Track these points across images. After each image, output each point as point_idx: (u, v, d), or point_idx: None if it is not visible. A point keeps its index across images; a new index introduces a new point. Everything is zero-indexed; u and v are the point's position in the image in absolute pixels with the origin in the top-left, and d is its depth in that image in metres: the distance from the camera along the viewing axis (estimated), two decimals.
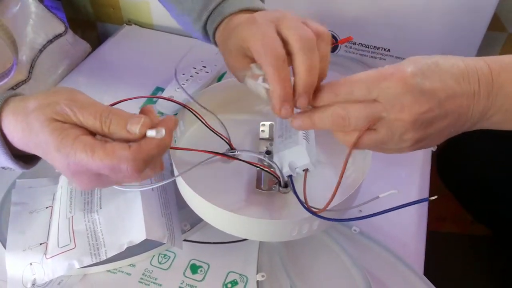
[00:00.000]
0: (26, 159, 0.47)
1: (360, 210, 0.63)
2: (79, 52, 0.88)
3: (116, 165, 0.39)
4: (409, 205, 0.44)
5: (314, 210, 0.48)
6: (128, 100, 0.50)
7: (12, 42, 0.68)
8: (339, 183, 0.45)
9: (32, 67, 0.76)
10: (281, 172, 0.53)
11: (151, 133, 0.41)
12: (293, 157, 0.53)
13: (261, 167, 0.54)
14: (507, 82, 0.42)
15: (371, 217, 0.45)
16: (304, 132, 0.55)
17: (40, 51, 0.78)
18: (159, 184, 0.55)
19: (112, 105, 0.43)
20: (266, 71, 0.45)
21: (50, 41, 0.78)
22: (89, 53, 0.92)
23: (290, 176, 0.53)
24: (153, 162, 0.42)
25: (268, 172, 0.54)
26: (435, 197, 0.43)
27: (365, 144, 0.44)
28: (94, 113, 0.40)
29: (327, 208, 0.47)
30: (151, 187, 0.58)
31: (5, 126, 0.43)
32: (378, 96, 0.41)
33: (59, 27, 0.80)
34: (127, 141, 0.41)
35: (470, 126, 0.44)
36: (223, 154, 0.54)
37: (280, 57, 0.44)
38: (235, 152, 0.58)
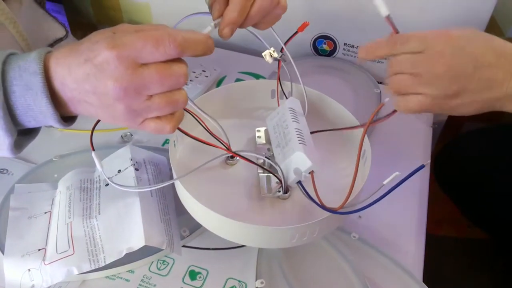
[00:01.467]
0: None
1: (360, 216, 0.64)
2: None
3: (159, 38, 0.41)
4: (409, 177, 0.45)
5: (331, 208, 0.50)
6: None
7: (29, 49, 0.68)
8: (355, 176, 0.50)
9: None
10: (284, 179, 0.53)
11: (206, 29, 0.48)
12: (295, 163, 0.53)
13: (267, 170, 0.55)
14: None
15: (379, 200, 0.46)
16: (299, 135, 0.55)
17: None
18: (158, 186, 0.55)
19: None
20: None
21: (51, 45, 0.78)
22: None
23: (299, 182, 0.54)
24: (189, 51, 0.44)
25: (274, 175, 0.54)
26: (428, 161, 0.47)
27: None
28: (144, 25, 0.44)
29: (331, 206, 0.49)
30: (149, 188, 0.58)
31: (52, 60, 0.43)
32: (425, 49, 0.48)
33: (60, 31, 0.80)
34: None
35: (503, 103, 0.49)
36: (234, 153, 0.55)
37: None
38: (236, 157, 0.58)
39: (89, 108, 0.44)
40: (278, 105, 0.63)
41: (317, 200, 0.51)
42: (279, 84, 0.63)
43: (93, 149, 0.50)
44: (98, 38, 0.42)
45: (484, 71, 0.47)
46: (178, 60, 0.43)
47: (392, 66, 0.51)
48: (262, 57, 0.58)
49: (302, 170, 0.53)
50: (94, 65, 0.41)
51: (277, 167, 0.54)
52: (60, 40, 0.81)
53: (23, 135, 0.48)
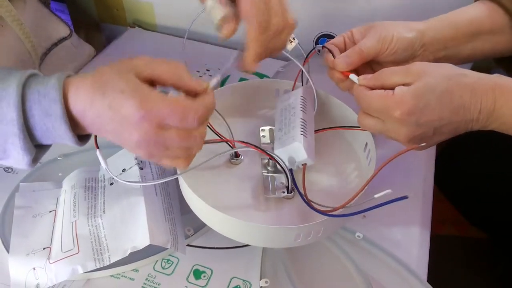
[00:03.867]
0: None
1: (364, 216, 0.63)
2: (83, 55, 0.88)
3: (185, 113, 0.43)
4: (390, 203, 0.46)
5: (323, 209, 0.50)
6: None
7: (33, 48, 0.69)
8: (369, 180, 0.49)
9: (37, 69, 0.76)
10: (286, 170, 0.53)
11: (212, 82, 0.48)
12: (292, 153, 0.54)
13: (272, 158, 0.55)
14: (506, 113, 0.48)
15: (380, 207, 0.47)
16: (302, 125, 0.55)
17: (45, 54, 0.78)
18: (162, 180, 0.57)
19: None
20: (249, 24, 0.51)
21: (55, 44, 0.78)
22: (94, 56, 0.92)
23: (290, 170, 0.54)
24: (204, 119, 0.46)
25: (281, 167, 0.54)
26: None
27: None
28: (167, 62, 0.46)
29: (331, 206, 0.49)
30: (154, 183, 0.58)
31: (71, 88, 0.44)
32: (385, 120, 0.51)
33: (64, 31, 0.80)
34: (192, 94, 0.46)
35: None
36: (255, 146, 0.55)
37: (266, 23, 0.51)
38: (240, 157, 0.59)
39: (109, 137, 0.46)
40: (293, 89, 0.63)
41: (311, 202, 0.51)
42: (302, 71, 0.61)
43: (97, 147, 0.50)
44: (123, 86, 0.43)
45: (445, 127, 0.50)
46: None
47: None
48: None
49: (296, 160, 0.54)
50: (120, 115, 0.43)
51: (273, 155, 0.54)
52: (64, 39, 0.81)
53: (38, 148, 0.48)
